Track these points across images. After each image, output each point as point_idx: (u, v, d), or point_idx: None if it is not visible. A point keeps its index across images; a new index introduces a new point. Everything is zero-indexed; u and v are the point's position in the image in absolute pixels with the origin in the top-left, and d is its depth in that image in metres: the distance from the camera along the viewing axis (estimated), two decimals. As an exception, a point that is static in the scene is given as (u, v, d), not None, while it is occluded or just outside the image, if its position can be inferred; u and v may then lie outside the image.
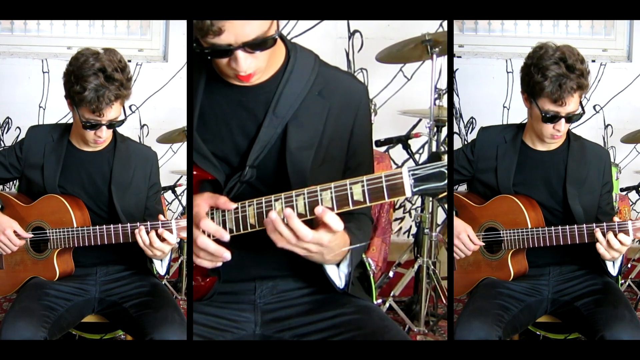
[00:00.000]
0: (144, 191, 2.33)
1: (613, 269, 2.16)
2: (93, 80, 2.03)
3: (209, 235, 1.53)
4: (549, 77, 2.05)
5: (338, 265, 1.60)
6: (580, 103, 2.13)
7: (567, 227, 2.13)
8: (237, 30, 1.43)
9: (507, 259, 2.25)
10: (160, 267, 2.20)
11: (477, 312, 2.09)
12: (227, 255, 1.51)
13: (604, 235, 2.05)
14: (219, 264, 1.55)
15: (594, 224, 2.08)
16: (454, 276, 2.34)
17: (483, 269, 2.31)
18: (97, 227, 2.13)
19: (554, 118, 2.12)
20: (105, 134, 2.16)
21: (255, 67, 1.52)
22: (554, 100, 2.07)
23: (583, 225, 2.10)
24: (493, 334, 2.00)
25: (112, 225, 2.12)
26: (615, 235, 2.03)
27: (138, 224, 2.07)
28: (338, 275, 1.61)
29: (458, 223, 2.27)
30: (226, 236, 1.52)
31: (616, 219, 2.06)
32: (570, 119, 2.13)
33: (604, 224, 2.05)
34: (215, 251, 1.51)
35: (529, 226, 2.20)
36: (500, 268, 2.27)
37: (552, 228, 2.16)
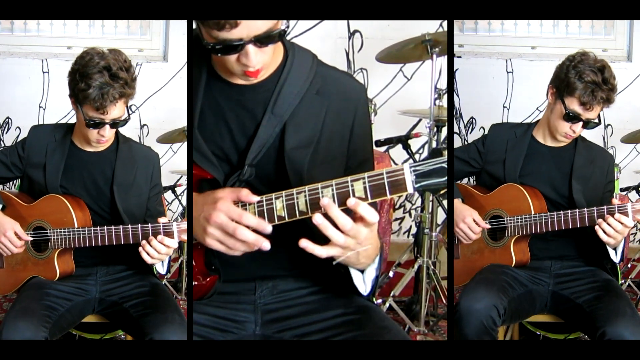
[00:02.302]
0: (145, 192, 2.34)
1: (615, 256, 2.23)
2: (98, 78, 2.03)
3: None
4: (585, 81, 2.19)
5: (362, 271, 1.59)
6: (599, 115, 2.28)
7: (569, 211, 2.20)
8: (249, 24, 1.43)
9: (509, 246, 2.31)
10: (160, 267, 2.21)
11: (484, 281, 2.17)
12: (266, 244, 1.46)
13: (603, 219, 2.11)
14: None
15: (595, 208, 2.15)
16: (457, 265, 2.40)
17: (486, 256, 2.36)
18: (98, 228, 2.13)
19: (574, 118, 2.24)
20: (109, 134, 2.17)
21: (263, 62, 1.51)
22: (582, 103, 2.21)
23: (584, 209, 2.17)
24: (498, 301, 2.07)
25: (112, 227, 2.12)
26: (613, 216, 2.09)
27: (139, 225, 2.07)
28: (363, 281, 1.60)
29: (464, 208, 2.35)
30: (268, 228, 1.47)
31: (615, 201, 2.12)
32: (587, 124, 2.26)
33: (604, 207, 2.12)
34: (255, 241, 1.46)
35: (532, 213, 2.26)
36: (503, 255, 2.32)
37: (554, 213, 2.23)
